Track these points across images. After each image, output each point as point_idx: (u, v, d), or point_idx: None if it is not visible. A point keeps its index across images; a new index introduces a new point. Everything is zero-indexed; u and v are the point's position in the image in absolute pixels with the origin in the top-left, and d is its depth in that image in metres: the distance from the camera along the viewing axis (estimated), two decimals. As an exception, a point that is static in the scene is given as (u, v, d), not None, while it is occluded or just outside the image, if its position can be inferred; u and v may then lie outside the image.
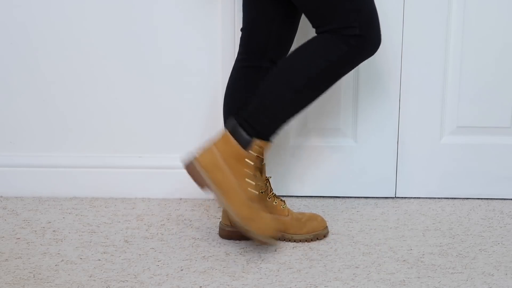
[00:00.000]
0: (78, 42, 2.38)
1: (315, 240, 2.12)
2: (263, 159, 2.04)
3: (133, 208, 2.38)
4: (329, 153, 2.42)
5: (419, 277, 1.93)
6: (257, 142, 1.98)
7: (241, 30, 2.13)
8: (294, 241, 2.12)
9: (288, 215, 2.13)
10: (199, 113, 2.43)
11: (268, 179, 2.13)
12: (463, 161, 2.42)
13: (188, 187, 2.44)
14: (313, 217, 2.15)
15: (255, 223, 1.98)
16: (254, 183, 2.00)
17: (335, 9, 1.94)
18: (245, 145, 1.98)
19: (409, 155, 2.42)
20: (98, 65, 2.40)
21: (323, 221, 2.16)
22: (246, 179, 1.99)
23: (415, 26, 2.33)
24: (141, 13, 2.36)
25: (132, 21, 2.36)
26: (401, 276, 1.93)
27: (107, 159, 2.47)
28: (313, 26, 1.98)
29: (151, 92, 2.42)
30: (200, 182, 2.00)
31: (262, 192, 2.09)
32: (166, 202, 2.43)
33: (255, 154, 1.99)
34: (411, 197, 2.45)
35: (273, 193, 2.13)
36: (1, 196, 2.47)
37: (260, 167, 2.05)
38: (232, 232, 2.12)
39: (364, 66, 2.33)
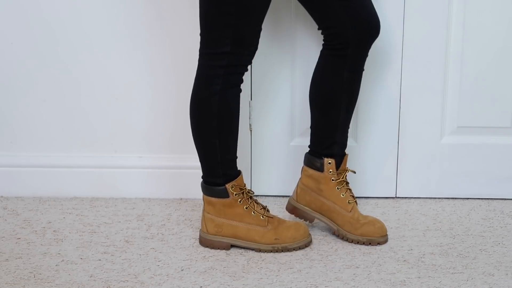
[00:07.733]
0: (77, 42, 2.38)
1: (367, 244, 2.10)
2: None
3: (134, 208, 2.38)
4: (329, 153, 2.42)
5: (419, 277, 1.93)
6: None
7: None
8: (347, 239, 2.12)
9: (351, 211, 2.13)
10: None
11: None
12: (463, 161, 2.42)
13: (188, 187, 2.44)
14: (373, 222, 2.12)
15: None
16: None
17: None
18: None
19: (409, 155, 2.42)
20: (97, 65, 2.40)
21: (381, 228, 2.12)
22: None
23: (415, 26, 2.32)
24: (138, 12, 2.36)
25: (131, 22, 2.36)
26: (402, 276, 1.93)
27: (107, 159, 2.46)
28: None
29: (151, 92, 2.42)
30: None
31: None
32: (166, 202, 2.43)
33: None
34: (411, 197, 2.45)
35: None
36: (1, 196, 2.47)
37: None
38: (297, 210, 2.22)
39: (364, 66, 2.33)
